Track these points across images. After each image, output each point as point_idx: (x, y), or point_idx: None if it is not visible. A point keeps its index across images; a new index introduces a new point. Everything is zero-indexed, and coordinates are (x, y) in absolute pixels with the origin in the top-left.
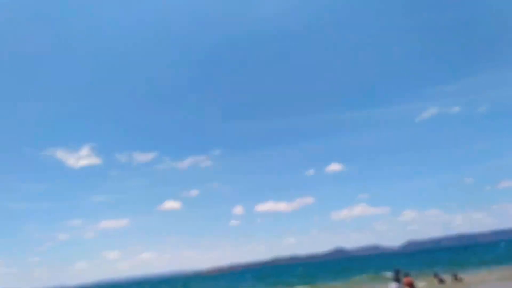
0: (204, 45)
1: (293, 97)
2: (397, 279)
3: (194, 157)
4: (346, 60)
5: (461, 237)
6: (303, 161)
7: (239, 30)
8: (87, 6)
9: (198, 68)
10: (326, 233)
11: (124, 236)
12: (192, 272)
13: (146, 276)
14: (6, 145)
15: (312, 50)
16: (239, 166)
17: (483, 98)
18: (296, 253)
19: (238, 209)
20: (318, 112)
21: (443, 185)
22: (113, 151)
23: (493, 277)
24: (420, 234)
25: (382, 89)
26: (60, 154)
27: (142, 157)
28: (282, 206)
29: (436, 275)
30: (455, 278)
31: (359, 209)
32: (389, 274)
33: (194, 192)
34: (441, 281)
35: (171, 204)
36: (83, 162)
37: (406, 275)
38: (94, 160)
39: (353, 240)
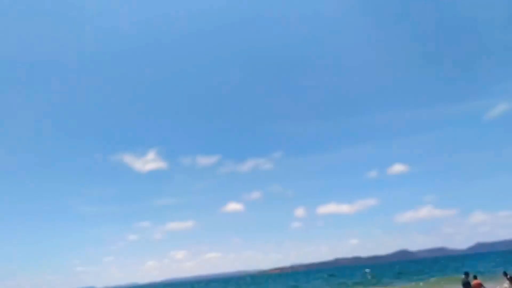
0: (264, 48)
1: (353, 98)
2: (466, 282)
3: (256, 160)
4: (408, 57)
5: None
6: (364, 162)
7: (299, 31)
8: (158, 16)
9: (259, 71)
10: (390, 235)
11: (189, 237)
12: (256, 272)
13: (211, 275)
14: (78, 151)
15: (372, 49)
16: (299, 168)
17: None
18: (358, 254)
19: (300, 211)
20: (379, 112)
21: None
22: (178, 155)
23: None
24: (490, 236)
25: (446, 86)
26: (128, 158)
27: (205, 160)
28: (344, 208)
29: (506, 274)
30: None
31: (425, 211)
32: (462, 276)
33: (255, 194)
34: None
35: (233, 206)
36: (150, 166)
37: (475, 277)
38: (160, 164)
39: (418, 242)
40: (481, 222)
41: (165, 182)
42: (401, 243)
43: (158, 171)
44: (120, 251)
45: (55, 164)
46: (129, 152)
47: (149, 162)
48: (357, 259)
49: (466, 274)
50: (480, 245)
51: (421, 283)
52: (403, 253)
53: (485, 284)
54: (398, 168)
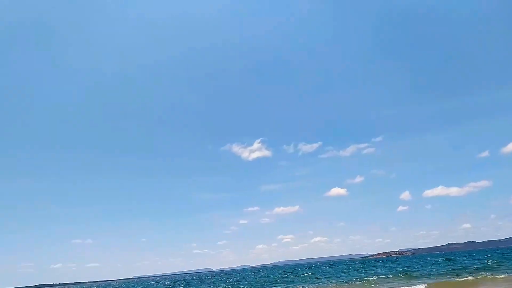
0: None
1: (458, 76)
2: None
3: (357, 145)
4: None
5: None
6: (474, 142)
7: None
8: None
9: (357, 58)
10: (506, 218)
11: (296, 221)
12: (363, 256)
13: (319, 259)
14: (193, 144)
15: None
16: (402, 151)
17: None
18: (472, 239)
19: (405, 195)
20: (486, 88)
21: None
22: (281, 144)
23: None
24: None
25: None
26: (236, 148)
27: (307, 148)
28: (453, 190)
29: None
30: None
31: None
32: None
33: (358, 179)
34: None
35: (337, 191)
36: (256, 155)
37: None
38: (265, 153)
39: None
40: None
41: (270, 169)
42: None
43: (263, 159)
44: (232, 235)
45: (175, 160)
46: (236, 142)
47: (255, 151)
48: (471, 244)
49: None
50: None
51: None
52: None
53: None
54: None
